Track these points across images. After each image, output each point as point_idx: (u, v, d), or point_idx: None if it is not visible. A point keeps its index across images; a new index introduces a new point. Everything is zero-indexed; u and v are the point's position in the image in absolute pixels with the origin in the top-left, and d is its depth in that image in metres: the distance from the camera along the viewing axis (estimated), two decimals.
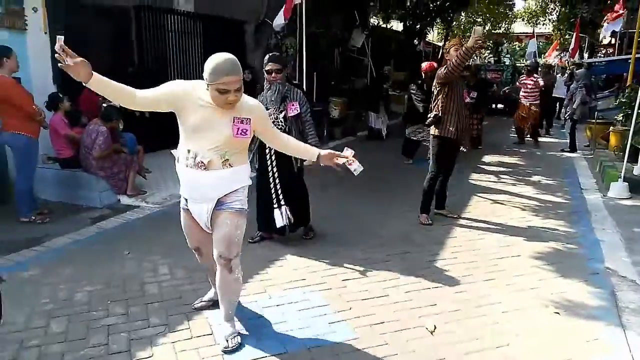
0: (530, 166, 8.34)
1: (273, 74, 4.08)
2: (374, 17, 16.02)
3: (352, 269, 3.93)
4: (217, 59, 2.46)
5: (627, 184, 6.17)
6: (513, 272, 3.95)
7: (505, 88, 16.03)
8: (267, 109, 3.94)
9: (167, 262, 4.02)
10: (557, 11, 22.53)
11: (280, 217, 4.11)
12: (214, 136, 2.55)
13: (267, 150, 4.09)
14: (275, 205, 4.13)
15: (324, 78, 10.49)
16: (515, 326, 3.12)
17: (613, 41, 17.13)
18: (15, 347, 2.79)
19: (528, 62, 11.24)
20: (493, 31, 25.62)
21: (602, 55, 19.47)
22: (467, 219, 5.33)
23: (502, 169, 8.09)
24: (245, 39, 8.16)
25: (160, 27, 7.90)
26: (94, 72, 2.31)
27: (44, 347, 2.79)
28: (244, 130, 2.60)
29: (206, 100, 2.53)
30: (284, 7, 7.34)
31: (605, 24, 11.24)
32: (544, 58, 21.41)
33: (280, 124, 4.05)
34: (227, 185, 2.67)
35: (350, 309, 3.29)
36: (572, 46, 15.82)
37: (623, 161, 6.55)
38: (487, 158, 8.93)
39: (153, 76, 6.86)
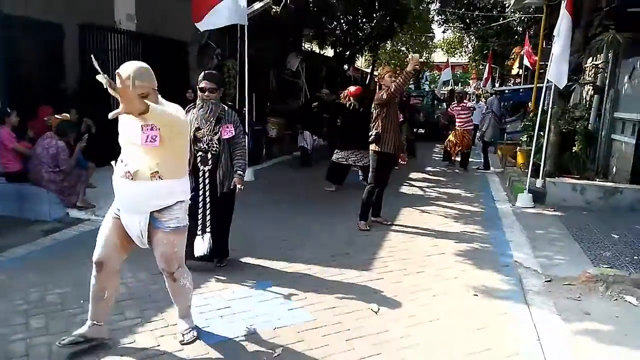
0: (451, 182, 9.29)
1: (207, 93, 3.92)
2: (308, 43, 16.85)
3: (304, 267, 4.42)
4: (129, 65, 2.61)
5: (531, 195, 7.17)
6: (439, 266, 4.63)
7: (438, 114, 16.70)
8: (199, 129, 3.93)
9: (128, 266, 4.28)
10: (472, 43, 24.72)
11: (203, 244, 3.94)
12: (136, 146, 2.61)
13: (200, 172, 3.98)
14: (199, 232, 3.96)
15: (261, 99, 11.00)
16: (443, 305, 3.76)
17: (521, 72, 19.17)
18: (1, 342, 3.00)
19: (457, 89, 12.18)
20: None
21: (512, 85, 21.56)
22: (400, 225, 6.00)
23: (427, 183, 8.96)
24: (188, 60, 8.53)
25: (102, 47, 8.03)
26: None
27: (29, 340, 3.02)
28: (153, 137, 2.57)
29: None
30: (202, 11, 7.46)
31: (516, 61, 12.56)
32: (460, 86, 23.34)
33: (214, 146, 3.97)
34: (157, 200, 2.66)
35: (305, 297, 3.77)
36: (485, 76, 17.53)
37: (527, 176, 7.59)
38: (413, 175, 9.79)
39: (91, 95, 6.89)
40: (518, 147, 9.49)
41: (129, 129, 2.62)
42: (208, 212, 3.98)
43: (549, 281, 4.33)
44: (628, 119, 8.27)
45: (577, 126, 7.64)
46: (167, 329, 3.21)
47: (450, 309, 3.72)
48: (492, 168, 10.63)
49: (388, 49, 24.71)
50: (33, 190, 5.77)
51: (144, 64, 2.64)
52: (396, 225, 5.98)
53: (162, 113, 2.51)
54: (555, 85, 7.52)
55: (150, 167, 2.61)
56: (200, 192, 3.98)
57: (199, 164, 3.98)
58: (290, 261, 4.54)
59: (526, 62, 11.80)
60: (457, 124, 10.53)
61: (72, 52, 7.56)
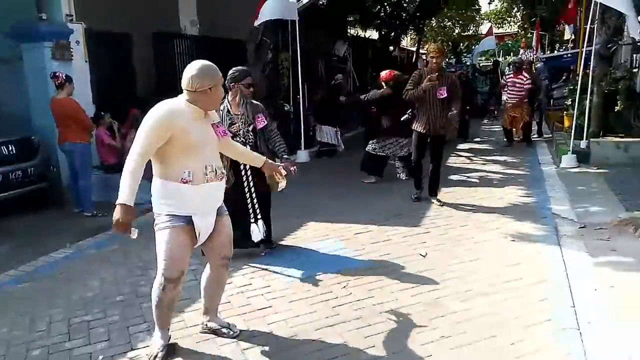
0: (498, 150, 9.65)
1: (251, 88, 4.14)
2: (353, 28, 17.38)
3: (361, 227, 5.13)
4: (201, 63, 2.65)
5: (575, 155, 7.50)
6: (482, 220, 5.22)
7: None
8: (233, 123, 4.10)
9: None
10: (520, 12, 24.26)
11: (258, 231, 4.11)
12: (212, 145, 2.74)
13: (241, 166, 4.09)
14: (252, 220, 4.13)
15: (312, 87, 11.72)
16: (483, 249, 4.39)
17: (573, 36, 18.76)
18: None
19: (515, 58, 11.07)
20: (463, 34, 27.26)
21: (564, 49, 21.07)
22: (448, 189, 6.56)
23: (474, 153, 9.39)
24: (246, 56, 9.39)
25: (170, 51, 9.04)
26: (124, 204, 2.46)
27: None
28: (224, 131, 2.87)
29: (192, 113, 2.63)
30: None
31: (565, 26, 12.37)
32: (511, 56, 22.97)
33: (250, 137, 4.14)
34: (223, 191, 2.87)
35: (363, 248, 4.51)
36: (534, 44, 17.37)
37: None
38: (462, 146, 10.20)
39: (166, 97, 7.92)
40: (564, 112, 9.69)
41: (200, 132, 2.64)
42: (255, 200, 4.15)
43: (583, 227, 4.82)
44: None
45: (620, 86, 7.82)
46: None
47: (489, 251, 4.34)
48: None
49: (434, 25, 24.70)
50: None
51: (201, 62, 2.69)
52: (444, 191, 6.54)
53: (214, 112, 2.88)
54: (596, 47, 7.76)
55: (221, 163, 2.81)
56: (245, 184, 4.10)
57: None
58: (350, 222, 5.27)
59: (567, 27, 11.77)
60: (508, 97, 9.76)
61: (147, 58, 8.61)
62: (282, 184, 3.28)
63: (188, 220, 2.66)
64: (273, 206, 4.49)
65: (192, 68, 2.63)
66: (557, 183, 6.62)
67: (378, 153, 7.11)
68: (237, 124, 4.11)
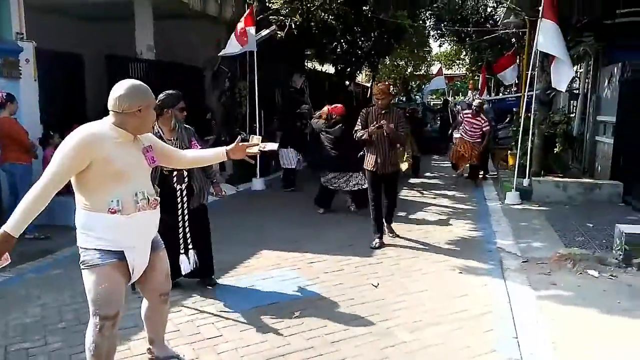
0: (447, 185, 9.95)
1: (184, 112, 4.05)
2: (310, 62, 17.76)
3: (314, 256, 5.15)
4: (130, 83, 2.43)
5: (518, 193, 7.88)
6: (431, 252, 5.37)
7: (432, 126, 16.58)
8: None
9: None
10: (467, 56, 25.61)
11: (187, 262, 3.94)
12: (143, 171, 2.50)
13: (177, 192, 3.91)
14: (182, 250, 3.94)
15: (269, 115, 11.85)
16: (431, 281, 4.51)
17: (516, 81, 19.98)
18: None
19: (477, 101, 10.66)
20: (415, 73, 28.37)
21: (507, 93, 22.31)
22: (398, 221, 6.69)
23: (424, 187, 9.65)
24: (204, 83, 9.40)
25: (125, 75, 8.92)
26: (5, 231, 2.22)
27: None
28: (153, 158, 2.55)
29: (119, 138, 2.40)
30: (233, 37, 8.38)
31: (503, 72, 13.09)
32: (460, 97, 24.08)
33: None
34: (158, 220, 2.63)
35: (317, 277, 4.52)
36: (480, 86, 18.30)
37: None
38: (412, 180, 10.46)
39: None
40: (509, 151, 10.21)
41: (127, 156, 2.41)
42: (187, 229, 3.96)
43: (526, 261, 5.05)
44: (608, 121, 9.03)
45: (558, 130, 8.38)
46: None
47: (437, 283, 4.45)
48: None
49: (387, 63, 25.60)
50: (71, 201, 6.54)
51: (130, 82, 2.47)
52: (396, 221, 6.68)
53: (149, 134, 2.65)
54: (537, 93, 8.31)
55: (153, 189, 2.57)
56: (179, 211, 3.92)
57: (175, 184, 3.89)
58: (303, 251, 5.28)
59: (508, 73, 12.54)
60: (467, 134, 9.52)
61: (99, 80, 8.45)
62: (269, 146, 2.87)
63: (120, 256, 2.41)
64: (226, 234, 4.46)
65: (120, 87, 2.41)
66: (501, 218, 6.92)
67: (327, 186, 7.14)
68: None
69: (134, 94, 2.40)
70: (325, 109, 7.30)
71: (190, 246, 3.97)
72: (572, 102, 11.84)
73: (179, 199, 3.92)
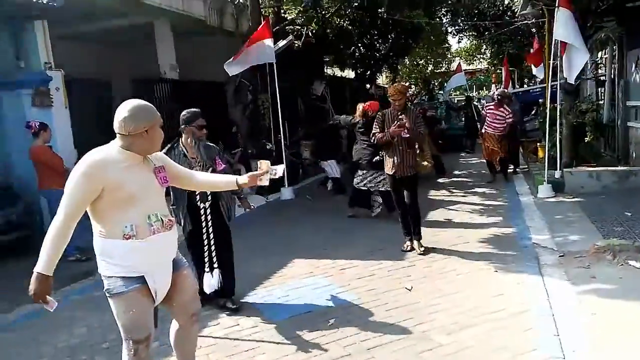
0: (477, 182, 9.81)
1: (204, 130, 3.98)
2: (330, 68, 17.85)
3: (346, 262, 5.15)
4: (134, 104, 2.40)
5: (550, 185, 7.70)
6: (464, 252, 5.30)
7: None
8: (192, 167, 3.72)
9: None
10: (488, 49, 25.27)
11: (211, 281, 3.89)
12: (155, 192, 2.47)
13: (201, 210, 3.90)
14: (207, 269, 3.90)
15: (293, 125, 11.95)
16: (466, 281, 4.45)
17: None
18: None
19: (498, 91, 10.07)
20: (435, 71, 28.15)
21: (532, 85, 21.90)
22: (429, 222, 6.65)
23: (454, 186, 9.54)
24: (227, 98, 9.56)
25: (151, 96, 9.11)
26: (38, 272, 2.29)
27: None
28: (164, 178, 2.52)
29: (127, 160, 2.38)
30: (235, 57, 8.52)
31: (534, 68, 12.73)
32: (483, 91, 23.71)
33: None
34: (176, 240, 2.58)
35: (349, 284, 4.52)
36: (503, 79, 18.01)
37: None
38: (441, 180, 10.34)
39: None
40: (538, 144, 10.00)
41: (136, 179, 2.38)
42: (213, 247, 3.93)
43: (563, 256, 4.92)
44: (639, 106, 8.75)
45: (586, 118, 8.17)
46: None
47: (472, 283, 4.39)
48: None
49: (407, 63, 25.48)
50: None
51: (134, 102, 2.43)
52: (424, 223, 6.60)
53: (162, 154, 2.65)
54: (562, 82, 8.12)
55: (167, 209, 2.54)
56: (204, 230, 3.89)
57: (199, 202, 3.88)
58: (334, 258, 5.29)
59: (534, 68, 12.26)
60: (491, 127, 9.25)
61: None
62: (278, 171, 2.80)
63: (142, 281, 2.40)
64: (258, 245, 4.50)
65: (124, 109, 2.36)
66: (535, 213, 6.78)
67: (361, 187, 6.95)
68: (195, 168, 3.81)
69: (140, 115, 2.37)
70: (360, 107, 7.10)
71: (215, 265, 3.92)
72: (599, 89, 11.52)
73: (202, 217, 3.90)
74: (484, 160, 9.93)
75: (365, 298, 4.17)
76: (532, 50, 12.44)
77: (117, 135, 2.41)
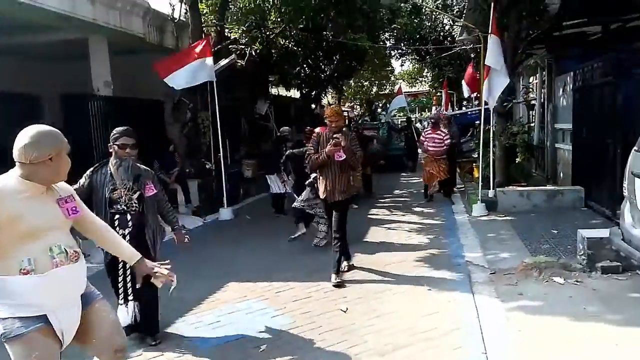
0: (414, 201, 9.99)
1: (127, 149, 3.65)
2: (275, 87, 17.87)
3: (283, 284, 5.06)
4: (36, 129, 2.19)
5: (484, 204, 7.97)
6: (400, 271, 5.34)
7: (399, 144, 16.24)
8: (115, 189, 3.61)
9: None
10: (429, 73, 26.26)
11: (126, 314, 3.65)
12: (59, 224, 2.26)
13: (119, 232, 3.52)
14: (121, 302, 3.70)
15: (235, 144, 11.79)
16: (401, 300, 4.47)
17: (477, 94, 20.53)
18: None
19: (431, 114, 10.85)
20: (380, 92, 28.87)
21: (469, 107, 22.86)
22: (366, 242, 6.68)
23: (392, 205, 9.69)
24: (164, 116, 9.30)
25: (83, 113, 8.70)
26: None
27: None
28: (74, 208, 2.31)
29: (27, 191, 2.17)
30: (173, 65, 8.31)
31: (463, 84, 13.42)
32: (425, 113, 24.53)
33: (134, 205, 3.66)
34: (85, 274, 2.35)
35: (285, 307, 4.42)
36: (443, 101, 18.73)
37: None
38: (380, 199, 10.48)
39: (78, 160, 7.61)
40: (473, 164, 10.38)
41: (37, 212, 2.17)
42: (129, 279, 3.64)
43: (493, 273, 5.06)
44: (566, 128, 9.30)
45: (517, 140, 8.57)
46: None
47: (407, 302, 4.42)
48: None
49: (352, 84, 26.00)
50: None
51: (36, 128, 2.22)
52: (363, 242, 6.66)
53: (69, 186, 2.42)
54: (495, 105, 8.50)
55: (72, 241, 2.32)
56: (120, 259, 3.44)
57: (117, 228, 3.56)
58: (271, 280, 5.18)
59: (465, 87, 12.83)
60: (430, 151, 9.37)
61: (58, 120, 8.28)
62: (173, 284, 2.61)
63: (44, 320, 2.15)
64: (191, 269, 4.35)
65: (25, 136, 2.16)
66: (469, 231, 6.97)
67: (307, 210, 6.52)
68: (118, 190, 3.62)
69: (43, 141, 2.16)
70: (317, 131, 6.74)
71: (130, 297, 3.67)
72: (530, 112, 12.18)
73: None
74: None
75: (300, 321, 4.09)
76: (465, 75, 13.01)
77: (17, 164, 2.18)
